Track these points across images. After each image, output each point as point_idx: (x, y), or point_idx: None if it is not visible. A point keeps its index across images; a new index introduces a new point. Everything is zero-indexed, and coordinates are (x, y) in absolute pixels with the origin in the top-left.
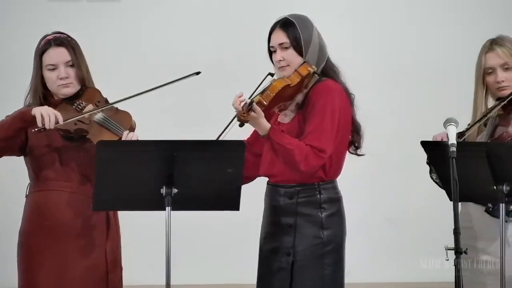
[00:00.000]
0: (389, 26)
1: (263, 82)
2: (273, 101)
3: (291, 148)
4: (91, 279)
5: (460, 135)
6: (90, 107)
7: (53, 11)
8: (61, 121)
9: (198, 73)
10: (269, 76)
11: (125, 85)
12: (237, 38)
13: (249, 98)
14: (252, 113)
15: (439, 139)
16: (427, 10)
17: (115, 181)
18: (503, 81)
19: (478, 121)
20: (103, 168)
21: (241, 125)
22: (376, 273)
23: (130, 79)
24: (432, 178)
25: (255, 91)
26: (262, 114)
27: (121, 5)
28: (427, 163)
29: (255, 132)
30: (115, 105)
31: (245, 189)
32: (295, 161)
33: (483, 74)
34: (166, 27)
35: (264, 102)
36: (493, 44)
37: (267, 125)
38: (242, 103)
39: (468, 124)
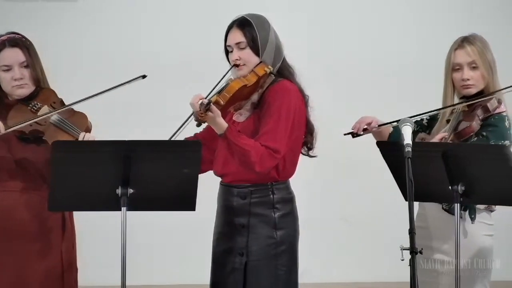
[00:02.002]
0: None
1: (220, 82)
2: (230, 101)
3: (248, 149)
4: (46, 279)
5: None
6: (45, 108)
7: (8, 10)
8: (2, 131)
9: (144, 76)
10: (232, 69)
11: (81, 86)
12: (197, 37)
13: (206, 98)
14: (209, 113)
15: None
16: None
17: (71, 182)
18: (468, 79)
19: (434, 110)
20: (58, 169)
21: (198, 125)
22: (331, 273)
23: (86, 79)
24: None
25: (213, 89)
26: (219, 113)
27: (78, 5)
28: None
29: (210, 128)
30: (72, 106)
31: (200, 189)
32: (250, 162)
33: (451, 70)
34: (123, 27)
35: (221, 102)
36: (464, 41)
37: (224, 124)
38: (200, 103)
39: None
